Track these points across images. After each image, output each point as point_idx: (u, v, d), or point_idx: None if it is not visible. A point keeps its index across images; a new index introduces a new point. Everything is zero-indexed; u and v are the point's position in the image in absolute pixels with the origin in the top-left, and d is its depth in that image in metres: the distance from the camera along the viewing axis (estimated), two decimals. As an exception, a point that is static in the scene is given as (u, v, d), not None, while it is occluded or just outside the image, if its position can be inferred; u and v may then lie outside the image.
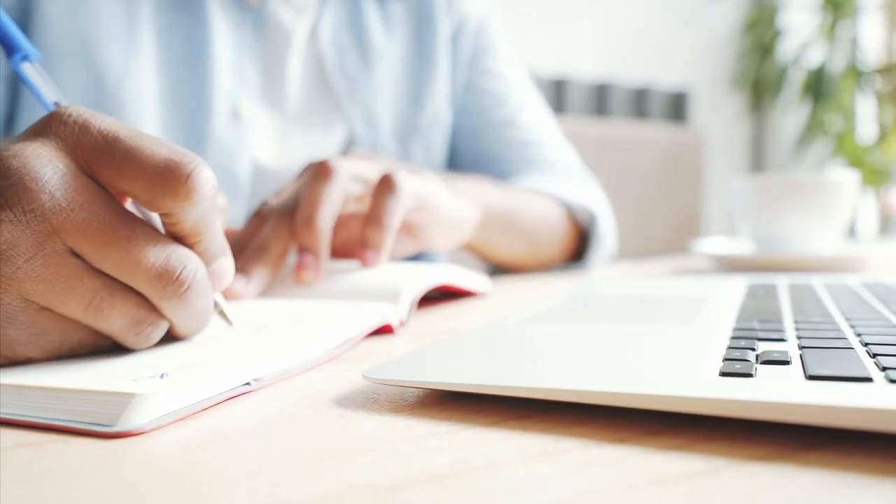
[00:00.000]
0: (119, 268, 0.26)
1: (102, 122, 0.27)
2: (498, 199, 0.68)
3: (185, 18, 0.66)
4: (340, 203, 0.46)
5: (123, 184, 0.26)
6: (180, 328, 0.29)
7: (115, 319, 0.26)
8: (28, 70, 0.31)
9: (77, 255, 0.26)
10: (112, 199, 0.27)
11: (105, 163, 0.26)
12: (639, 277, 0.68)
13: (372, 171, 0.51)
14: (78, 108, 0.27)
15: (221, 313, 0.31)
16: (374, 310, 0.38)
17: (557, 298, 0.44)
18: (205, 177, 0.27)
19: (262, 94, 0.71)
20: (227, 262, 0.30)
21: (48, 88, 0.31)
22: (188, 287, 0.27)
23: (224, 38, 0.67)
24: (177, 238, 0.28)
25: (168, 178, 0.26)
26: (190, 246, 0.28)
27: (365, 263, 0.46)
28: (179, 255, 0.27)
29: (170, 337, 0.29)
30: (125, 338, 0.27)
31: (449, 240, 0.58)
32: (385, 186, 0.48)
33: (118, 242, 0.26)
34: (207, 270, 0.29)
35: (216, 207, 0.28)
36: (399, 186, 0.48)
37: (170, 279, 0.26)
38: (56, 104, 0.31)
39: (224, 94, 0.67)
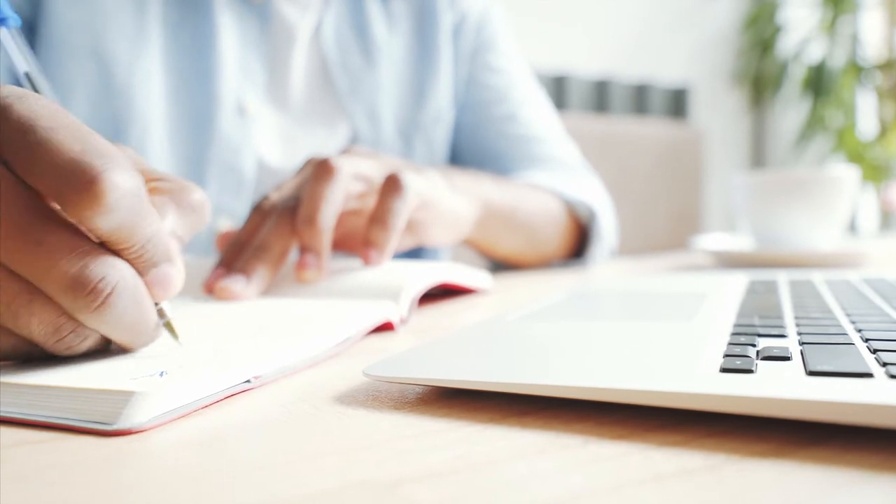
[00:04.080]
0: (31, 274, 0.24)
1: (26, 107, 0.24)
2: (497, 195, 0.68)
3: (191, 14, 0.66)
4: (342, 202, 0.46)
5: (33, 181, 0.24)
6: (116, 341, 0.26)
7: (34, 327, 0.24)
8: (4, 36, 0.29)
9: None
10: (30, 195, 0.24)
11: (17, 155, 0.24)
12: (639, 274, 0.68)
13: (373, 170, 0.51)
14: (6, 90, 0.25)
15: (168, 325, 0.28)
16: (375, 307, 0.38)
17: (558, 295, 0.44)
18: (114, 183, 0.23)
19: (266, 92, 0.71)
20: (170, 269, 0.27)
21: (21, 58, 0.29)
22: (105, 300, 0.24)
23: (230, 34, 0.67)
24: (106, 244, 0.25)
25: (70, 183, 0.23)
26: (118, 253, 0.25)
27: (367, 262, 0.46)
28: (98, 265, 0.24)
29: (168, 335, 0.29)
30: (46, 345, 0.25)
31: (447, 236, 0.58)
32: (392, 187, 0.48)
33: (27, 247, 0.24)
34: (146, 279, 0.26)
35: (143, 212, 0.25)
36: (406, 187, 0.48)
37: (81, 290, 0.24)
38: (27, 75, 0.29)
39: (230, 90, 0.67)
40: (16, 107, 0.24)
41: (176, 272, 0.27)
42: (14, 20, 0.29)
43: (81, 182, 0.23)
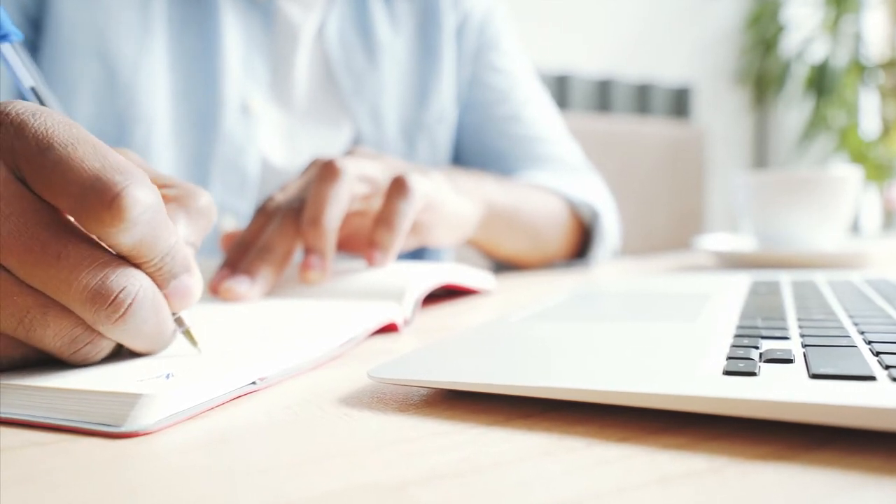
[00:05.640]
0: (49, 287, 0.24)
1: (41, 123, 0.24)
2: (500, 196, 0.68)
3: (196, 13, 0.66)
4: (347, 203, 0.46)
5: (52, 198, 0.24)
6: (132, 348, 0.27)
7: (49, 339, 0.25)
8: (7, 51, 0.29)
9: (8, 269, 0.24)
10: (47, 210, 0.24)
11: (35, 172, 0.24)
12: (641, 274, 0.68)
13: (378, 171, 0.51)
14: (19, 105, 0.25)
15: (187, 334, 0.28)
16: (379, 308, 0.38)
17: (560, 296, 0.44)
18: (134, 199, 0.23)
19: (270, 91, 0.71)
20: (190, 280, 0.27)
21: (26, 73, 0.29)
22: (126, 311, 0.24)
23: (234, 33, 0.68)
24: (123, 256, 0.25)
25: (92, 201, 0.23)
26: (137, 265, 0.25)
27: (372, 263, 0.46)
28: (118, 276, 0.24)
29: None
30: (62, 356, 0.25)
31: (451, 237, 0.58)
32: (398, 189, 0.48)
33: (46, 260, 0.23)
34: (166, 291, 0.26)
35: (162, 225, 0.25)
36: (412, 190, 0.48)
37: (103, 303, 0.24)
38: (33, 89, 0.29)
39: (234, 89, 0.68)
40: (31, 123, 0.24)
41: (195, 282, 0.27)
42: (16, 35, 0.29)
43: (104, 200, 0.23)
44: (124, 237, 0.24)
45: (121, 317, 0.24)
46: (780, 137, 2.75)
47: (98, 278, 0.24)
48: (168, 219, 0.26)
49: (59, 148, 0.23)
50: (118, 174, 0.23)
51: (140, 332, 0.25)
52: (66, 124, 0.24)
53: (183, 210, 0.29)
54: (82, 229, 0.25)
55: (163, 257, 0.26)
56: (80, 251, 0.24)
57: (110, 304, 0.24)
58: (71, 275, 0.24)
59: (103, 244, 0.25)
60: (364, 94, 0.76)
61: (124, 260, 0.25)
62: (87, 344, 0.25)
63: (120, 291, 0.24)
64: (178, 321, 0.28)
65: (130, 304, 0.24)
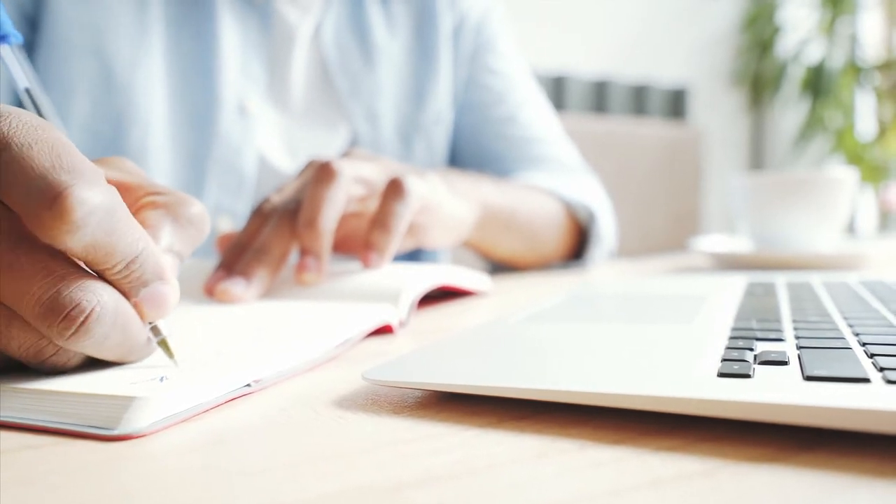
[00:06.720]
0: (6, 299, 0.23)
1: (6, 124, 0.23)
2: (496, 197, 0.68)
3: (193, 13, 0.66)
4: (343, 205, 0.46)
5: (7, 201, 0.23)
6: (103, 358, 0.26)
7: (14, 349, 0.24)
8: (5, 52, 0.29)
9: None
10: (7, 216, 0.23)
11: None
12: (638, 275, 0.68)
13: (374, 173, 0.51)
14: None
15: (163, 344, 0.26)
16: (374, 310, 0.38)
17: (557, 297, 0.44)
18: (79, 200, 0.22)
19: (267, 92, 0.71)
20: (163, 288, 0.25)
21: (22, 74, 0.29)
22: (80, 327, 0.23)
23: (231, 34, 0.68)
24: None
25: (34, 202, 0.22)
26: (101, 274, 0.24)
27: (368, 265, 0.46)
28: (73, 291, 0.23)
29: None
30: (32, 365, 0.25)
31: (447, 239, 0.58)
32: (394, 190, 0.48)
33: (0, 271, 0.23)
34: (136, 300, 0.25)
35: (120, 230, 0.24)
36: (408, 191, 0.48)
37: (54, 318, 0.22)
38: (27, 91, 0.29)
39: (231, 89, 0.68)
40: None
41: (169, 290, 0.26)
42: (16, 37, 0.28)
43: (46, 199, 0.22)
44: (71, 241, 0.22)
45: (74, 333, 0.23)
46: (776, 139, 2.75)
47: (50, 293, 0.23)
48: (133, 225, 0.24)
49: (14, 148, 0.22)
50: (66, 174, 0.22)
51: (102, 346, 0.24)
52: (32, 126, 0.23)
53: (170, 218, 0.28)
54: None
55: (127, 264, 0.24)
56: (35, 262, 0.23)
57: (62, 321, 0.23)
58: (22, 288, 0.23)
59: (63, 254, 0.24)
60: (360, 95, 0.76)
61: (85, 272, 0.24)
62: (52, 355, 0.24)
63: (73, 307, 0.23)
64: (154, 330, 0.26)
65: (84, 320, 0.23)
